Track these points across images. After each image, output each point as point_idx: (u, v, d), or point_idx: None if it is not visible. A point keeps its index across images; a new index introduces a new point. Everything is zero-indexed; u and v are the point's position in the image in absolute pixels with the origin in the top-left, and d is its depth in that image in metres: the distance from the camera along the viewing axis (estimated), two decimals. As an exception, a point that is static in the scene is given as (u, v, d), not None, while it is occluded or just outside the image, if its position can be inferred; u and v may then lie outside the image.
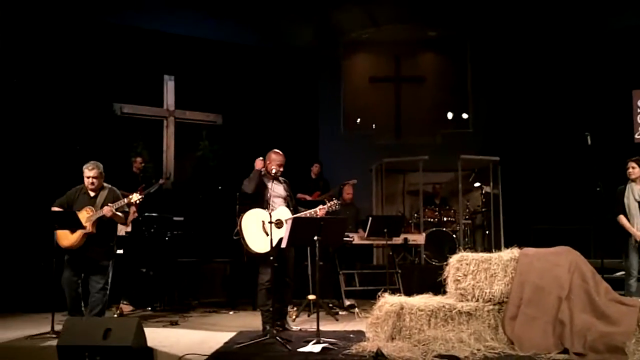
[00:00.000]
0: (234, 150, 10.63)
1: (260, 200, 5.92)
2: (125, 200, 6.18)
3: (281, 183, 6.20)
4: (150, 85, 10.33)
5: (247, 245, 5.88)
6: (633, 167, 6.88)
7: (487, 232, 10.97)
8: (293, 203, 6.29)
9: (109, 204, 6.13)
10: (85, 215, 6.11)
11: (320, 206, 6.13)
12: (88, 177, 6.24)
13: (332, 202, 6.13)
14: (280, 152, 6.17)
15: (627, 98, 11.40)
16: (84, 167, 6.29)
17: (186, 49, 10.70)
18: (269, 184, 5.99)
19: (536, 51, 11.79)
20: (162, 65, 10.47)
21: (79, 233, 6.07)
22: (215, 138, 10.70)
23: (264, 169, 6.04)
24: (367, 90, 12.97)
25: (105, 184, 6.38)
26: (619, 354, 4.71)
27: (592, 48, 11.40)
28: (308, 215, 6.03)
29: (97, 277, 6.21)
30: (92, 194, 6.30)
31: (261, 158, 6.03)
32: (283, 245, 5.52)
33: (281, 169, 6.12)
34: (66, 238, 6.12)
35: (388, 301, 5.26)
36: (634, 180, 6.87)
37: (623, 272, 7.74)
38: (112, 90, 9.94)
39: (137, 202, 6.30)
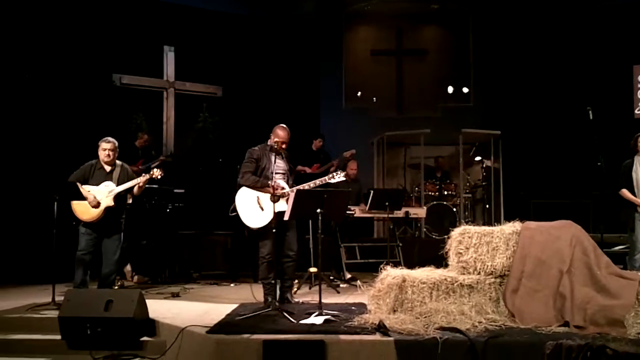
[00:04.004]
0: (234, 123, 10.59)
1: (263, 175, 5.90)
2: (147, 176, 6.43)
3: (283, 158, 6.12)
4: (150, 56, 10.24)
5: (242, 220, 5.89)
6: None
7: (487, 206, 10.99)
8: (293, 177, 6.23)
9: (146, 176, 6.43)
10: (106, 190, 6.33)
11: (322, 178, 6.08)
12: (105, 150, 6.44)
13: (334, 174, 6.03)
14: (287, 128, 6.07)
15: (627, 73, 11.35)
16: (101, 141, 6.49)
17: (186, 20, 10.59)
18: (273, 159, 5.89)
19: (538, 25, 11.71)
20: (162, 35, 10.37)
21: (102, 207, 6.28)
22: (215, 110, 10.64)
23: (272, 142, 5.99)
24: (369, 63, 12.89)
25: (117, 161, 6.57)
26: (618, 326, 4.73)
27: (594, 23, 11.32)
28: (307, 187, 5.95)
29: (112, 249, 6.41)
30: (107, 168, 6.48)
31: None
32: (286, 218, 5.51)
33: (284, 146, 6.04)
34: (87, 212, 6.28)
35: (390, 274, 5.26)
36: None
37: (622, 246, 7.78)
38: (111, 60, 9.85)
39: (159, 177, 6.52)
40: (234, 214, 5.94)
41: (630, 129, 8.19)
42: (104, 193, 6.31)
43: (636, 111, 11.26)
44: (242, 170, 6.01)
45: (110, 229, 6.40)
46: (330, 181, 5.93)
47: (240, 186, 6.01)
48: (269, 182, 5.77)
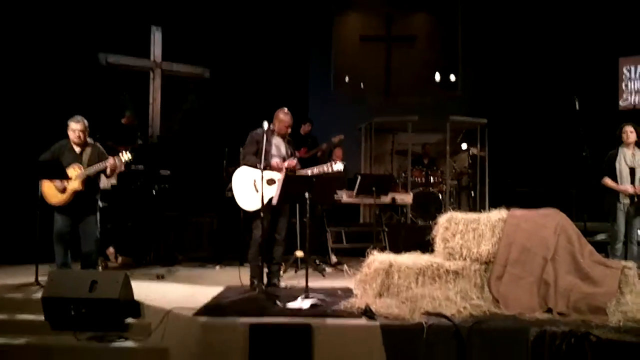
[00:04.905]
0: (222, 105, 10.52)
1: (259, 156, 5.85)
2: (111, 161, 6.12)
3: (285, 143, 6.15)
4: (137, 36, 10.10)
5: (237, 202, 5.89)
6: (631, 132, 6.80)
7: (472, 193, 11.04)
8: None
9: (115, 158, 6.11)
10: (74, 173, 6.09)
11: (314, 168, 6.06)
12: (74, 131, 6.18)
13: (331, 163, 6.01)
14: (289, 112, 6.13)
15: (613, 65, 11.41)
16: (70, 120, 6.23)
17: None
18: (274, 142, 5.98)
19: (526, 15, 11.73)
20: (150, 15, 10.22)
21: (69, 191, 6.07)
22: (202, 92, 10.55)
23: (275, 127, 6.03)
24: (358, 48, 12.85)
25: (88, 140, 6.33)
26: (600, 314, 4.81)
27: (581, 14, 11.34)
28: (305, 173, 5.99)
29: (88, 231, 6.24)
30: (77, 149, 6.25)
31: None
32: (274, 202, 5.51)
33: (289, 130, 6.12)
34: (55, 196, 6.11)
35: (377, 259, 5.29)
36: (627, 146, 6.83)
37: (605, 235, 7.86)
38: (97, 39, 9.70)
39: (129, 160, 6.26)
40: (230, 194, 5.96)
41: (614, 120, 8.26)
42: (71, 175, 6.07)
43: (620, 102, 11.34)
44: (244, 151, 6.03)
45: (83, 211, 6.20)
46: (327, 170, 5.95)
47: (235, 168, 6.01)
48: (271, 162, 5.82)
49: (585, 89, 9.99)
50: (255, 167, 5.76)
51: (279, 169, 5.86)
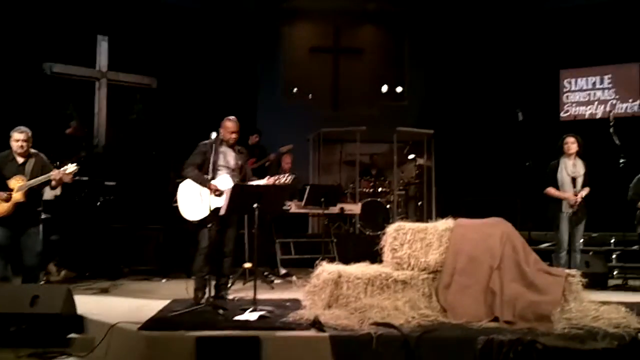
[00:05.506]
0: (169, 115, 10.39)
1: (206, 168, 5.78)
2: (55, 173, 5.98)
3: (235, 152, 6.06)
4: (82, 45, 9.91)
5: (181, 213, 5.82)
6: (572, 143, 6.98)
7: (419, 203, 11.18)
8: (243, 174, 6.08)
9: (60, 170, 5.97)
10: (16, 185, 5.94)
11: (268, 177, 5.99)
12: (17, 141, 6.04)
13: (283, 177, 5.95)
14: (234, 119, 6.04)
15: (554, 77, 11.75)
16: (13, 131, 6.09)
17: (121, 9, 10.30)
18: (221, 151, 5.90)
19: (471, 28, 11.99)
20: (96, 24, 10.05)
21: (11, 202, 5.91)
22: (149, 102, 10.40)
23: (222, 136, 5.96)
24: (306, 59, 12.89)
25: (32, 150, 6.19)
26: (545, 321, 4.89)
27: (524, 27, 11.66)
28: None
29: (30, 243, 6.08)
30: (20, 160, 6.10)
31: None
32: (222, 212, 5.46)
33: (234, 136, 5.99)
34: None
35: (326, 269, 5.28)
36: (568, 156, 7.01)
37: (549, 244, 8.05)
38: (42, 48, 9.49)
39: (75, 171, 6.09)
40: (175, 204, 5.88)
41: (556, 131, 8.48)
42: (14, 186, 5.92)
43: (562, 114, 11.67)
44: (188, 162, 5.95)
45: (25, 224, 6.04)
46: (279, 182, 5.89)
47: (182, 180, 5.94)
48: (210, 181, 5.71)
49: (527, 101, 10.26)
50: (196, 181, 5.72)
51: (216, 194, 5.72)
